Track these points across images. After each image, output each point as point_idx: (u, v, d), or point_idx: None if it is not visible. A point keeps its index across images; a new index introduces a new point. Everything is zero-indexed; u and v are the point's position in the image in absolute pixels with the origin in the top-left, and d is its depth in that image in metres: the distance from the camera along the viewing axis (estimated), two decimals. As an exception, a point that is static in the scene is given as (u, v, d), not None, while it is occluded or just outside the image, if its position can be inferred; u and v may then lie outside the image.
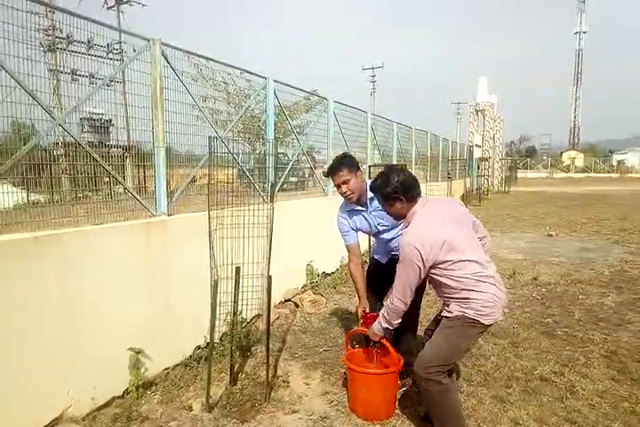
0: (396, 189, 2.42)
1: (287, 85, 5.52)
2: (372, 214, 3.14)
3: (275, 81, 5.19)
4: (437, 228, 2.34)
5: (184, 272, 3.57)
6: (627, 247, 8.03)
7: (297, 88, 5.74)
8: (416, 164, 12.12)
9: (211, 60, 4.16)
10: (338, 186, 3.06)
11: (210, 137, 2.89)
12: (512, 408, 2.82)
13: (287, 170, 5.60)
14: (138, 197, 3.42)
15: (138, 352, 3.14)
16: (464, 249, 2.33)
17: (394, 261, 2.72)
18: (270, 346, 3.83)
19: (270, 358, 3.61)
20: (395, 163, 9.80)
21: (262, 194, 4.99)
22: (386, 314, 2.55)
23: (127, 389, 3.06)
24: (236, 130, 5.51)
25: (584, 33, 74.26)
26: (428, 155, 13.24)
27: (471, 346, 2.61)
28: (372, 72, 49.41)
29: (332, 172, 3.06)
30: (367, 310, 3.08)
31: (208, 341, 3.71)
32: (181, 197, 3.85)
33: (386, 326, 2.59)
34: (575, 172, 54.63)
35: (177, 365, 3.48)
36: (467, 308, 2.32)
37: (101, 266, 2.93)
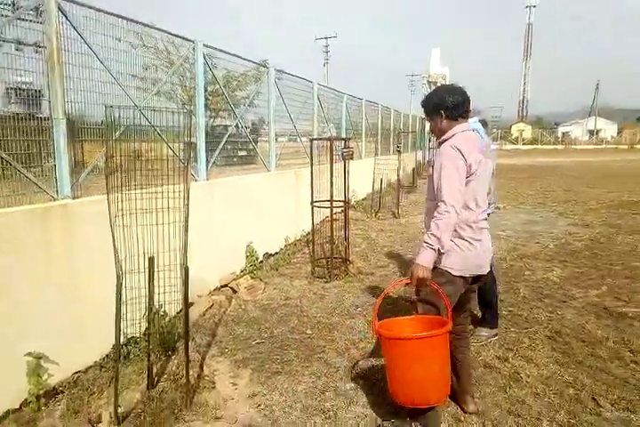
0: (438, 104, 2.45)
1: (220, 51, 5.01)
2: None
3: (205, 45, 4.68)
4: (477, 149, 2.37)
5: (96, 262, 3.14)
6: (570, 219, 8.12)
7: (232, 54, 5.22)
8: (367, 136, 11.83)
9: (123, 18, 3.61)
10: None
11: (106, 106, 2.43)
12: (453, 402, 2.62)
13: (222, 143, 5.14)
14: (31, 177, 2.94)
15: (39, 357, 2.73)
16: (480, 183, 2.38)
17: None
18: (199, 340, 3.52)
19: (197, 354, 3.30)
20: (344, 136, 9.46)
21: (193, 172, 4.55)
22: (435, 230, 2.19)
23: (26, 399, 2.67)
24: (180, 101, 5.02)
25: (534, 7, 74.95)
26: (379, 127, 12.96)
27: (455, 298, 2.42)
28: (326, 42, 48.42)
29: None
30: None
31: (130, 336, 3.36)
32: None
33: (437, 246, 2.20)
34: (523, 144, 56.09)
35: (90, 367, 3.09)
36: (446, 257, 2.32)
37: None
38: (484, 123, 3.87)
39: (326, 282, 4.88)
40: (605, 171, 18.67)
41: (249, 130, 6.05)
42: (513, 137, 60.80)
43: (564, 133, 63.96)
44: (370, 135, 12.22)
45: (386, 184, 10.32)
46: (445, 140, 2.44)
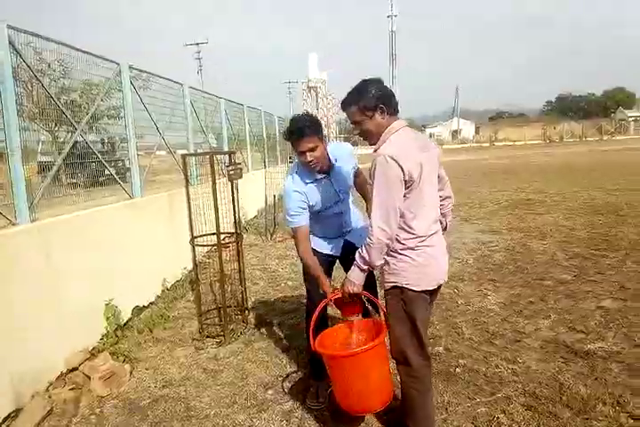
0: (379, 97, 2.09)
1: (36, 35, 3.56)
2: (335, 178, 2.70)
3: (10, 27, 3.23)
4: (415, 149, 2.11)
5: None
6: (476, 225, 7.73)
7: (59, 42, 3.77)
8: (252, 145, 10.69)
9: None
10: (301, 153, 2.53)
11: None
12: None
13: (56, 166, 3.67)
14: None
15: None
16: (428, 185, 2.16)
17: (347, 247, 2.76)
18: None
19: None
20: (226, 148, 8.25)
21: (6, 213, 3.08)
22: (365, 254, 2.12)
23: None
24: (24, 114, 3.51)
25: (395, 16, 79.19)
26: (265, 136, 11.89)
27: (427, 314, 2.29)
28: (197, 48, 46.43)
29: (297, 137, 2.48)
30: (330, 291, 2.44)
31: None
32: None
33: (365, 267, 2.17)
34: (400, 146, 58.75)
35: None
36: (396, 274, 2.15)
37: None
38: None
39: (220, 344, 3.67)
40: (481, 169, 19.50)
41: (98, 146, 4.62)
42: (389, 140, 63.32)
43: (431, 134, 68.36)
44: (255, 145, 11.11)
45: (278, 199, 9.25)
46: (382, 143, 2.13)
